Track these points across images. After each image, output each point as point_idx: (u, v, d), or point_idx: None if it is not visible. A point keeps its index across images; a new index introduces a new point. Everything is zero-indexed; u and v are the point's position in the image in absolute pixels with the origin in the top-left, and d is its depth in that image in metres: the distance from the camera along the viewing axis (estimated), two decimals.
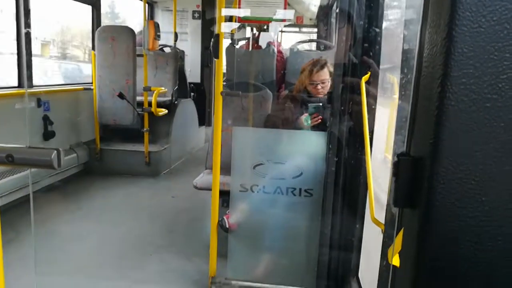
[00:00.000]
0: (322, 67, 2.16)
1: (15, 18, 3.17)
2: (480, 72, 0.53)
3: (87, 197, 3.27)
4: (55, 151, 0.70)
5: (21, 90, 3.15)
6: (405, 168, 0.59)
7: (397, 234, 0.66)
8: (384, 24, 1.44)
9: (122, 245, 2.48)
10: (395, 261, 0.68)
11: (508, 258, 0.55)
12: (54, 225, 2.67)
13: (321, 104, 2.00)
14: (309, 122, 1.99)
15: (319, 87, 2.16)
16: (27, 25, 3.15)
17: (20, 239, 2.40)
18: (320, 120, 1.99)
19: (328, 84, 2.17)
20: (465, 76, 0.52)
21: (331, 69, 2.15)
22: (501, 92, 0.52)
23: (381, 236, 0.87)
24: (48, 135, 3.34)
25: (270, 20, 2.20)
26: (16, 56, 3.25)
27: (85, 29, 4.34)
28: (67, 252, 2.35)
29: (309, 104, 2.03)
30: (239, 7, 2.26)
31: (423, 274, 0.59)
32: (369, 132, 1.30)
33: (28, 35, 3.17)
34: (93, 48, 3.83)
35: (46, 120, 3.33)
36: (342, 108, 1.54)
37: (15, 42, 3.19)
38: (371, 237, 1.47)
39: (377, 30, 1.42)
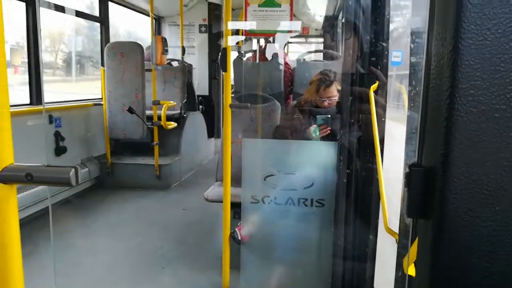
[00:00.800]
0: (329, 85, 2.17)
1: (26, 37, 3.26)
2: (487, 84, 0.53)
3: (99, 211, 3.30)
4: (73, 169, 0.72)
5: (33, 108, 3.22)
6: (417, 178, 0.60)
7: (411, 244, 0.67)
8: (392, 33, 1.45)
9: (134, 258, 2.49)
10: (411, 271, 0.68)
11: None
12: (69, 239, 2.70)
13: (329, 116, 2.00)
14: (318, 133, 2.00)
15: (326, 103, 2.18)
16: (37, 46, 3.23)
17: (38, 252, 2.44)
18: (329, 132, 1.99)
19: (335, 99, 2.18)
20: (473, 87, 0.53)
21: (339, 87, 2.16)
22: (509, 102, 0.53)
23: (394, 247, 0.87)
24: (59, 150, 3.40)
25: (275, 32, 2.23)
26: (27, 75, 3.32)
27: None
28: (82, 265, 2.37)
29: (317, 116, 2.04)
30: (245, 20, 2.30)
31: (438, 284, 0.59)
32: (380, 142, 1.30)
33: (38, 55, 3.24)
34: (102, 64, 3.90)
35: (58, 136, 3.38)
36: (352, 118, 1.55)
37: (27, 61, 3.27)
38: (386, 248, 1.47)
39: (384, 40, 1.43)
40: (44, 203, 3.01)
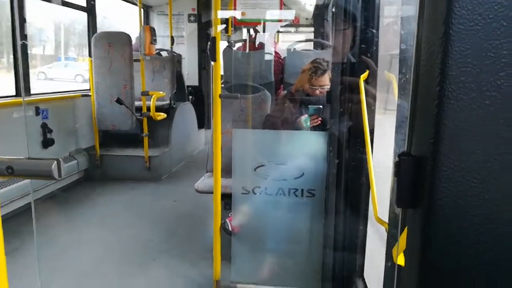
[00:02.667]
0: (322, 73, 2.16)
1: (11, 29, 3.18)
2: (478, 70, 0.52)
3: (88, 203, 3.27)
4: (55, 162, 0.70)
5: (18, 99, 3.15)
6: (406, 167, 0.59)
7: (401, 233, 0.66)
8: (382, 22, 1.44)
9: (124, 250, 2.48)
10: (400, 260, 0.67)
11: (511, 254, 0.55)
12: (57, 233, 2.67)
13: (321, 106, 1.99)
14: (308, 124, 1.99)
15: (317, 91, 2.16)
16: (24, 36, 3.15)
17: (23, 248, 2.41)
18: (319, 122, 1.98)
19: (327, 88, 2.17)
20: (464, 74, 0.52)
21: (331, 75, 2.15)
22: (500, 89, 0.52)
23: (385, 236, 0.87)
24: (47, 143, 3.34)
25: (265, 21, 2.21)
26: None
27: None
28: (71, 259, 2.35)
29: (309, 106, 2.03)
30: (234, 9, 2.26)
31: (428, 273, 0.59)
32: (369, 131, 1.29)
33: (24, 46, 3.17)
34: (90, 54, 3.83)
35: (45, 128, 3.32)
36: (342, 107, 1.54)
37: (12, 53, 3.20)
38: (375, 236, 1.47)
39: (374, 29, 1.42)
40: (29, 197, 2.97)
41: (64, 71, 11.47)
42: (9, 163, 0.71)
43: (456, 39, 0.53)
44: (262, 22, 2.34)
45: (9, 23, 3.25)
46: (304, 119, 2.02)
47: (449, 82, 0.53)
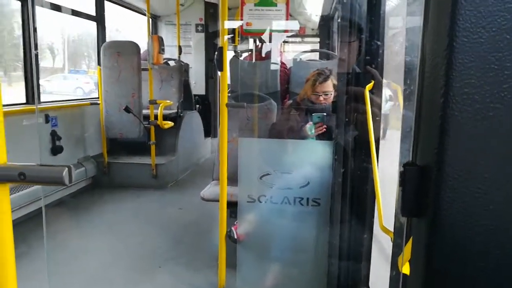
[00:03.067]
0: (325, 79, 2.17)
1: (21, 37, 3.24)
2: (482, 82, 0.53)
3: (96, 210, 3.29)
4: (66, 168, 0.71)
5: (29, 107, 3.20)
6: (411, 177, 0.60)
7: (406, 243, 0.67)
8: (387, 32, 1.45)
9: (131, 257, 2.49)
10: (405, 269, 0.68)
11: None
12: (65, 239, 2.69)
13: (325, 114, 2.00)
14: (313, 131, 2.00)
15: (321, 98, 2.17)
16: (35, 45, 3.21)
17: (32, 253, 2.43)
18: (324, 130, 1.99)
19: (331, 96, 2.18)
20: (467, 86, 0.53)
21: (335, 82, 2.16)
22: (503, 101, 0.53)
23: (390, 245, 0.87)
24: (56, 150, 3.38)
25: (271, 31, 2.23)
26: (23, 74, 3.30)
27: None
28: (78, 265, 2.37)
29: (313, 114, 2.04)
30: (241, 20, 2.30)
31: (433, 282, 0.59)
32: (375, 141, 1.30)
33: (36, 55, 3.23)
34: (99, 63, 3.88)
35: (54, 135, 3.37)
36: (347, 117, 1.55)
37: (23, 61, 3.26)
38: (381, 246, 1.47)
39: (379, 39, 1.43)
40: (39, 203, 3.00)
41: (64, 84, 11.14)
42: (21, 169, 0.73)
43: (460, 51, 0.54)
44: (268, 32, 2.37)
45: (20, 32, 3.31)
46: (309, 127, 2.03)
47: (453, 93, 0.54)
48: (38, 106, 3.32)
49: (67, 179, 0.72)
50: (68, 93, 9.96)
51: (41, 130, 3.28)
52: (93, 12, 4.17)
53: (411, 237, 0.65)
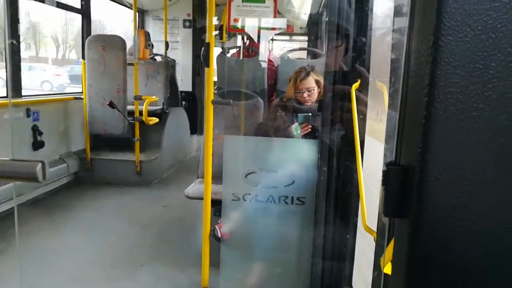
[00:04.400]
0: (306, 75, 2.16)
1: (2, 29, 3.15)
2: (466, 81, 0.53)
3: (78, 208, 3.23)
4: (40, 164, 0.68)
5: (7, 101, 3.12)
6: (394, 177, 0.59)
7: (388, 243, 0.66)
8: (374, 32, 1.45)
9: (113, 256, 2.45)
10: (387, 270, 0.67)
11: (497, 265, 0.55)
12: (44, 237, 2.63)
13: (310, 114, 1.99)
14: (299, 132, 2.00)
15: (305, 95, 2.16)
16: (15, 36, 3.13)
17: (9, 252, 2.37)
18: (309, 130, 1.99)
19: (315, 92, 2.17)
20: (452, 85, 0.53)
21: (317, 77, 2.15)
22: (487, 101, 0.52)
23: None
24: (37, 145, 3.31)
25: (259, 29, 2.22)
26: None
27: None
28: (57, 264, 2.31)
29: (299, 114, 2.03)
30: (229, 16, 2.27)
31: (414, 283, 0.58)
32: (360, 140, 1.30)
33: (14, 45, 3.14)
34: (83, 57, 3.81)
35: (36, 130, 3.29)
36: (332, 116, 1.55)
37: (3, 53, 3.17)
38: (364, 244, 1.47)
39: (365, 40, 1.43)
40: (19, 199, 2.92)
41: (28, 76, 8.82)
42: None
43: (445, 50, 0.53)
44: (256, 30, 2.35)
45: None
46: (295, 127, 2.03)
47: (437, 92, 0.53)
48: (20, 100, 3.23)
49: (40, 174, 0.69)
50: (35, 87, 7.29)
51: (22, 124, 3.20)
52: (78, 5, 4.09)
53: (393, 238, 0.64)
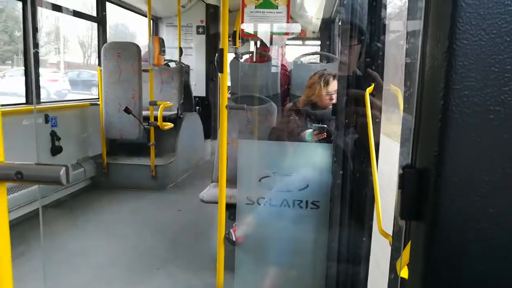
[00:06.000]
0: (334, 77, 2.18)
1: (22, 37, 3.24)
2: (482, 85, 0.53)
3: (94, 211, 3.28)
4: (64, 168, 0.71)
5: (29, 107, 3.20)
6: (410, 180, 0.59)
7: (404, 246, 0.66)
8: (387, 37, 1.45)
9: (129, 259, 2.48)
10: (404, 273, 0.67)
11: None
12: (63, 239, 2.68)
13: (325, 126, 2.00)
14: (310, 139, 2.00)
15: (333, 97, 2.17)
16: (35, 45, 3.21)
17: (30, 253, 2.42)
18: (322, 137, 1.99)
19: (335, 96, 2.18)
20: (467, 89, 0.53)
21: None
22: (504, 104, 0.52)
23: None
24: (55, 150, 3.38)
25: (272, 34, 2.23)
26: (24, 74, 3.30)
27: None
28: (76, 266, 2.36)
29: (313, 125, 2.04)
30: (242, 22, 2.29)
31: (432, 286, 0.58)
32: (375, 144, 1.30)
33: (36, 54, 3.23)
34: (99, 64, 3.88)
35: (54, 135, 3.37)
36: (346, 120, 1.55)
37: (23, 61, 3.26)
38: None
39: (380, 45, 1.43)
40: (37, 203, 2.99)
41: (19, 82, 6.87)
42: (18, 168, 0.72)
43: (460, 54, 0.53)
44: (269, 35, 2.37)
45: (21, 32, 3.32)
46: (308, 133, 2.03)
47: (453, 96, 0.54)
48: (39, 107, 3.31)
49: (64, 178, 0.71)
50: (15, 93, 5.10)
51: (40, 130, 3.28)
52: (94, 13, 4.18)
53: (410, 241, 0.64)
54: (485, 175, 0.54)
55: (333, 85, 2.18)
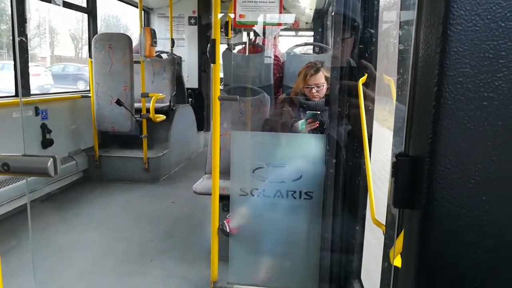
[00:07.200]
0: (316, 71, 2.16)
1: (11, 27, 3.18)
2: (476, 71, 0.52)
3: (87, 204, 3.26)
4: (51, 159, 0.70)
5: (18, 100, 3.15)
6: (403, 168, 0.59)
7: (397, 235, 0.66)
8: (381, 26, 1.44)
9: (122, 251, 2.47)
10: (397, 262, 0.67)
11: (509, 256, 0.55)
12: (55, 233, 2.66)
13: (318, 112, 1.99)
14: (304, 127, 2.00)
15: (314, 90, 2.16)
16: (23, 34, 3.15)
17: (21, 247, 2.40)
18: (315, 126, 1.98)
19: (323, 88, 2.17)
20: (461, 75, 0.52)
21: (326, 73, 2.15)
22: (497, 90, 0.52)
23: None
24: (46, 143, 3.34)
25: (265, 24, 2.21)
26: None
27: None
28: (68, 259, 2.34)
29: (306, 112, 2.03)
30: (234, 12, 2.27)
31: (425, 275, 0.58)
32: (368, 134, 1.29)
33: (23, 44, 3.17)
34: (90, 56, 3.83)
35: (44, 128, 3.32)
36: (340, 110, 1.54)
37: (12, 53, 3.20)
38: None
39: (373, 32, 1.42)
40: (30, 196, 2.96)
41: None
42: (4, 160, 0.71)
43: (454, 40, 0.53)
44: (262, 25, 2.35)
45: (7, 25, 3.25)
46: (301, 122, 2.03)
47: (446, 82, 0.53)
48: (29, 99, 3.27)
49: (52, 170, 0.70)
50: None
51: (31, 123, 3.23)
52: (84, 4, 4.12)
53: (403, 229, 0.64)
54: (478, 163, 0.53)
55: (314, 79, 2.16)
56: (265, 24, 2.34)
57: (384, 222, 0.97)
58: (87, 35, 4.26)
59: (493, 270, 0.55)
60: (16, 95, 3.23)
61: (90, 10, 4.14)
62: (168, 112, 4.27)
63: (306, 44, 4.90)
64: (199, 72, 5.56)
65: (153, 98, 3.76)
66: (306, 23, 6.00)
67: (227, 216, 1.99)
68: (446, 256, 0.56)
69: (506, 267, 0.55)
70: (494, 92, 0.52)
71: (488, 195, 0.54)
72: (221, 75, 3.47)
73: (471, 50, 0.52)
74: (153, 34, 3.94)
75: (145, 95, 3.80)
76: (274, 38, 3.55)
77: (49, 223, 2.79)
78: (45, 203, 3.20)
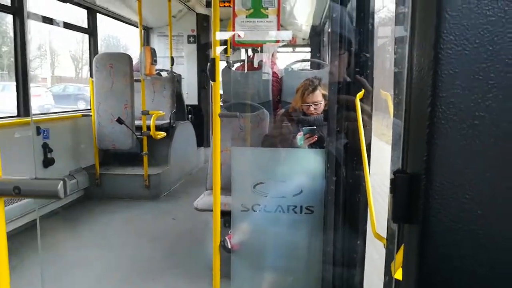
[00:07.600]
0: (314, 89, 2.19)
1: (13, 49, 3.23)
2: (467, 92, 0.55)
3: (88, 222, 3.26)
4: (61, 182, 0.72)
5: (20, 119, 3.18)
6: (401, 185, 0.61)
7: (397, 249, 0.68)
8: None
9: (124, 269, 2.47)
10: (398, 275, 0.69)
11: (507, 269, 0.57)
12: (58, 251, 2.66)
13: (315, 127, 2.02)
14: (302, 143, 2.02)
15: (311, 108, 2.20)
16: (24, 55, 3.20)
17: (25, 265, 2.40)
18: (314, 140, 2.00)
19: (321, 105, 2.21)
20: (453, 96, 0.55)
21: (324, 91, 2.19)
22: (488, 109, 0.55)
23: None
24: (47, 162, 3.36)
25: (264, 42, 2.26)
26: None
27: None
28: (71, 277, 2.34)
29: (303, 128, 2.06)
30: (233, 31, 2.32)
31: (425, 287, 0.60)
32: (366, 148, 1.32)
33: (25, 66, 3.22)
34: (91, 75, 3.88)
35: (46, 147, 3.35)
36: (338, 125, 1.57)
37: (14, 73, 3.25)
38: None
39: (369, 48, 1.46)
40: (32, 215, 2.97)
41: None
42: (16, 183, 0.73)
43: (445, 63, 0.56)
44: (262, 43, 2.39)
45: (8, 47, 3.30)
46: (299, 138, 2.05)
47: (439, 103, 0.56)
48: (30, 119, 3.30)
49: (62, 192, 0.72)
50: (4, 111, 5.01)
51: (33, 143, 3.26)
52: (85, 25, 4.19)
53: (403, 244, 0.66)
54: (472, 179, 0.56)
55: (312, 97, 2.19)
56: (263, 43, 2.39)
57: (385, 236, 0.99)
58: (87, 56, 4.33)
59: (491, 283, 0.57)
60: (18, 115, 3.26)
61: (91, 31, 4.21)
62: (169, 129, 4.30)
63: (303, 60, 4.96)
64: (199, 89, 5.62)
65: (153, 115, 3.80)
66: (303, 39, 6.10)
67: (229, 232, 1.99)
68: (444, 269, 0.58)
69: (502, 279, 0.57)
70: (485, 111, 0.55)
71: (483, 209, 0.56)
72: (221, 91, 3.51)
73: (462, 72, 0.55)
74: (153, 52, 4.01)
75: (145, 113, 3.83)
76: (272, 55, 3.60)
77: (51, 241, 2.79)
78: (47, 221, 3.20)
